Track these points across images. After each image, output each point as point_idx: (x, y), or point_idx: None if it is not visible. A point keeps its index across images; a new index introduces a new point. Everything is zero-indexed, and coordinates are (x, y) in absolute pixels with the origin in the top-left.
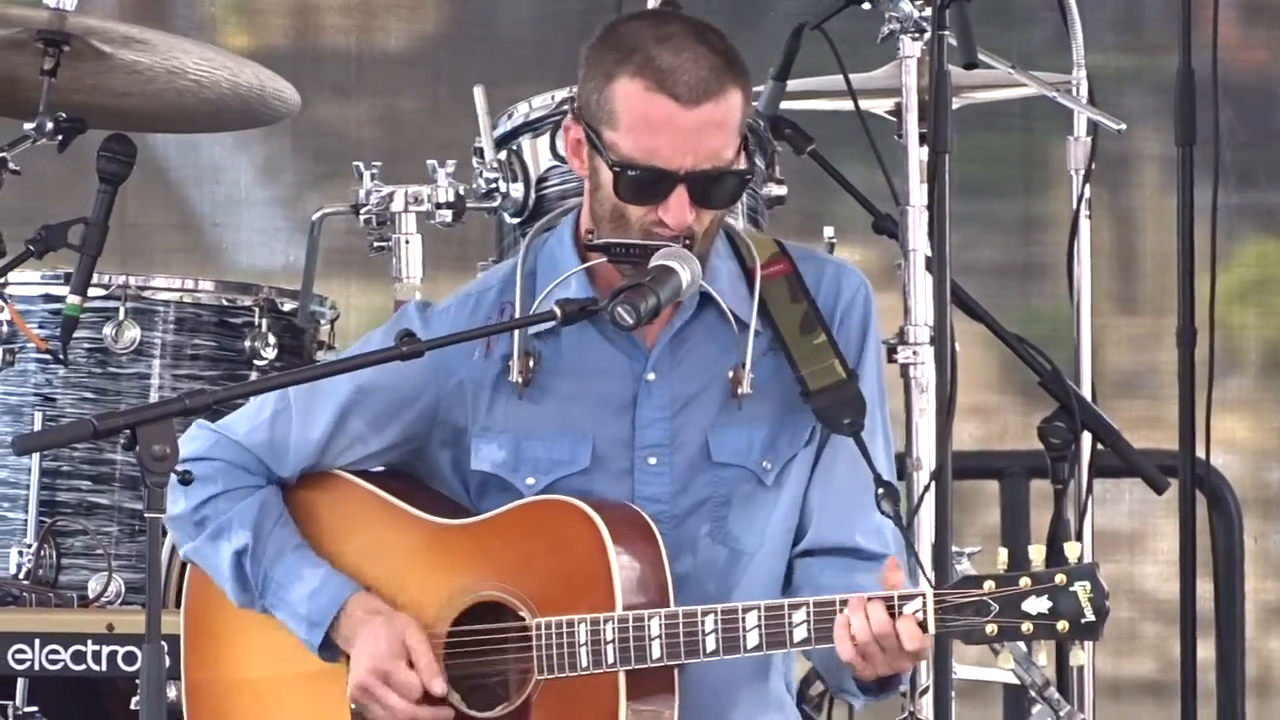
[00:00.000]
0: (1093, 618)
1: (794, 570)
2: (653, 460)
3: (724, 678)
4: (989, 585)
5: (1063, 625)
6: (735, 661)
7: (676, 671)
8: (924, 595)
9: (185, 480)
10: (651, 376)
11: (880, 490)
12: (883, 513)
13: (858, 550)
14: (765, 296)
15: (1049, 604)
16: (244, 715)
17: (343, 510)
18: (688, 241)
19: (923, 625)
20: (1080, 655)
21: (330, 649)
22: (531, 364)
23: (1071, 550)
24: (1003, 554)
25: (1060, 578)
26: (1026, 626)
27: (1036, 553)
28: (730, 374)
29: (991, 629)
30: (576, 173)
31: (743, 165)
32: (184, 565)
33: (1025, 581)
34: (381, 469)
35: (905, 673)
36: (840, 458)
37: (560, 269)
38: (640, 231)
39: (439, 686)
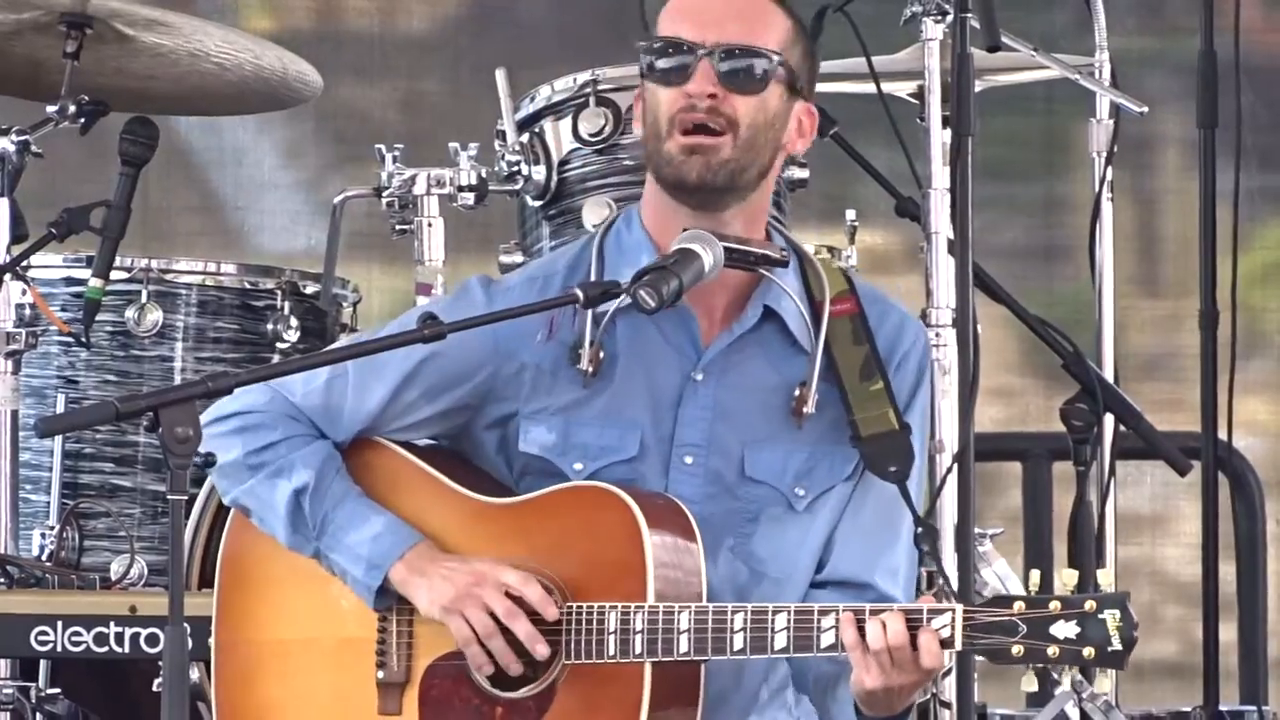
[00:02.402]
0: (1119, 647)
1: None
2: (689, 459)
3: (743, 682)
4: (1019, 606)
5: (1089, 652)
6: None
7: (703, 667)
8: (953, 611)
9: (208, 463)
10: (699, 377)
11: (919, 530)
12: (921, 550)
13: (871, 587)
14: (829, 332)
15: (1077, 629)
16: (270, 676)
17: (386, 480)
18: (720, 123)
19: (947, 642)
20: (1104, 683)
21: (383, 596)
22: (602, 354)
23: (1104, 577)
24: (1034, 575)
25: (1090, 604)
26: (1053, 650)
27: (1069, 577)
28: (796, 392)
29: (1018, 650)
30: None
31: (777, 57)
32: (207, 546)
33: (1055, 605)
34: (427, 443)
35: (905, 713)
36: (870, 495)
37: (629, 251)
38: (670, 123)
39: (553, 612)
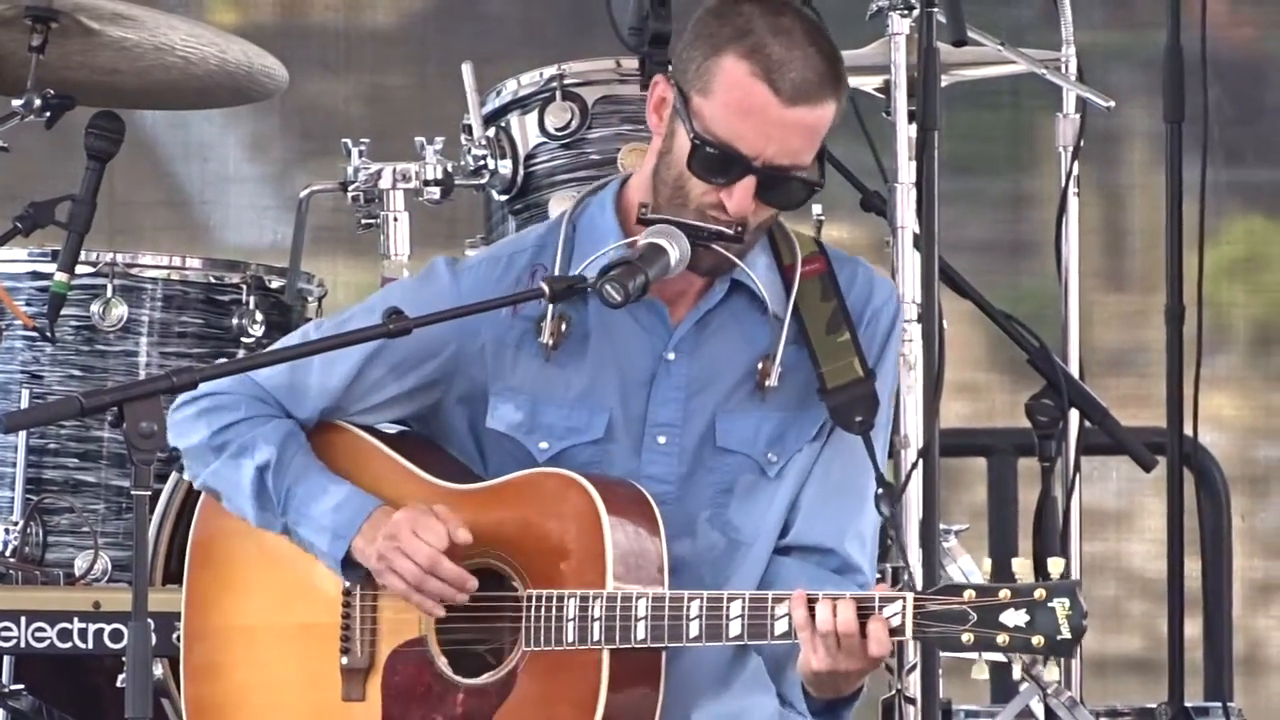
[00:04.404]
0: (1068, 635)
1: (768, 568)
2: (662, 439)
3: (709, 659)
4: (969, 594)
5: (1038, 640)
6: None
7: (663, 654)
8: (904, 599)
9: (173, 458)
10: (672, 356)
11: (880, 490)
12: (880, 513)
13: (837, 554)
14: (798, 294)
15: (1026, 618)
16: (238, 661)
17: (352, 464)
18: (740, 229)
19: (897, 630)
20: (1054, 671)
21: (352, 567)
22: (564, 327)
23: (1054, 566)
24: (987, 563)
25: (1040, 593)
26: (1002, 638)
27: (1022, 566)
28: (759, 365)
29: (968, 638)
30: (652, 130)
31: (816, 175)
32: (171, 542)
33: (1005, 594)
34: (394, 429)
35: (854, 695)
36: (837, 459)
37: (599, 235)
38: (695, 210)
39: (464, 535)
